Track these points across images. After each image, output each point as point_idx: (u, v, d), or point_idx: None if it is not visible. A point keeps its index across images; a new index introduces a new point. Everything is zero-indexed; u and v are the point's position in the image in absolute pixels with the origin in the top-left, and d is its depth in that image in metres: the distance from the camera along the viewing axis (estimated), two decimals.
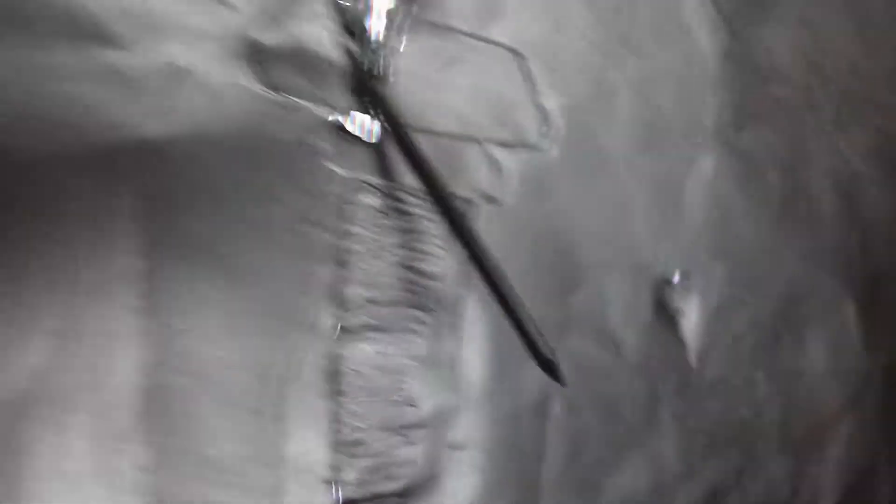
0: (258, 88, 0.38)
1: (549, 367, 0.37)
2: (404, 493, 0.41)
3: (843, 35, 0.59)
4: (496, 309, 0.37)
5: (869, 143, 0.59)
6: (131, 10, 0.35)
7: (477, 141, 0.43)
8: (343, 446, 0.39)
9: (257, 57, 0.38)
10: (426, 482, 0.41)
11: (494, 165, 0.44)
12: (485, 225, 0.43)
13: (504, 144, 0.44)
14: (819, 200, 0.57)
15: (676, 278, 0.50)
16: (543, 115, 0.45)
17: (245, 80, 0.38)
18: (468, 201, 0.43)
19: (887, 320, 0.60)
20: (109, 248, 0.34)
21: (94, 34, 0.34)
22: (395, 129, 0.39)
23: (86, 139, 0.34)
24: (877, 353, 0.60)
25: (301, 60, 0.39)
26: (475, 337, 0.43)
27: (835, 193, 0.57)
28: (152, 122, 0.35)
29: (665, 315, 0.50)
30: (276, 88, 0.38)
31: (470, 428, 0.43)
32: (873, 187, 0.59)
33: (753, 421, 0.54)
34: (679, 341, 0.51)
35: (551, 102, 0.46)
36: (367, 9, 0.40)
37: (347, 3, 0.39)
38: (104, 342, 0.34)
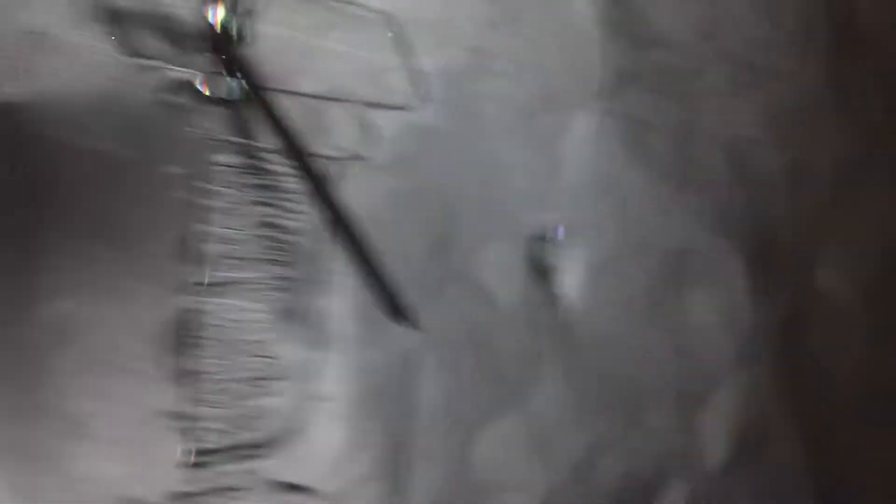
0: (116, 51, 0.39)
1: (401, 314, 0.39)
2: (267, 444, 0.42)
3: (738, 12, 0.60)
4: (351, 262, 0.39)
5: (760, 109, 0.60)
6: None
7: (346, 102, 0.44)
8: (203, 398, 0.41)
9: (115, 20, 0.39)
10: (290, 433, 0.43)
11: (364, 125, 0.45)
12: (355, 184, 0.45)
13: (375, 105, 0.45)
14: (708, 162, 0.58)
15: (554, 235, 0.51)
16: (417, 78, 0.46)
17: (103, 43, 0.38)
18: (334, 159, 0.44)
19: (779, 277, 0.62)
20: None
21: None
22: (254, 89, 0.40)
23: None
24: (769, 310, 0.61)
25: (159, 23, 0.40)
26: (343, 290, 0.44)
27: (725, 156, 0.59)
28: (10, 84, 0.36)
29: (543, 271, 0.51)
30: (134, 51, 0.39)
31: (335, 380, 0.44)
32: (764, 150, 0.60)
33: (641, 376, 0.55)
34: (560, 297, 0.52)
35: (427, 66, 0.47)
36: None
37: None
38: None
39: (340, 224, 0.39)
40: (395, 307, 0.38)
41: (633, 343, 0.55)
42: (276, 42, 0.42)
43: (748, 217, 0.60)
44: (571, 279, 0.53)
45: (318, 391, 0.44)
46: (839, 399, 0.64)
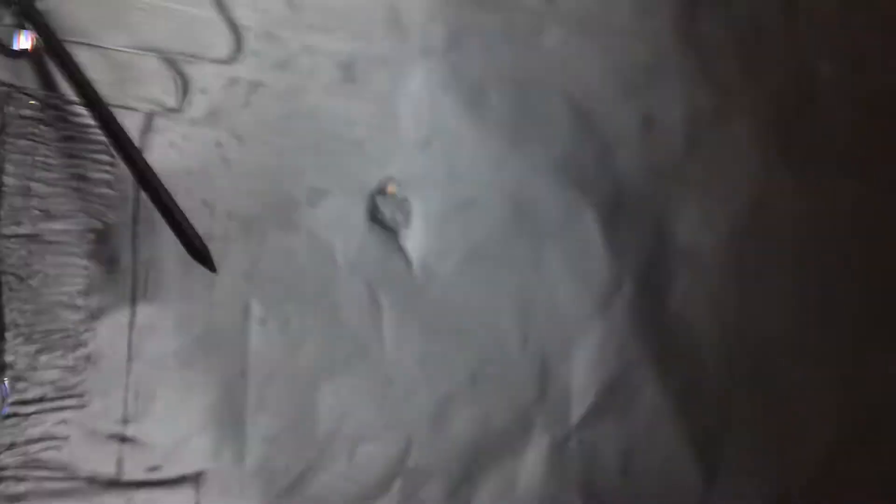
0: None
1: (199, 256, 0.39)
2: (82, 394, 0.42)
3: None
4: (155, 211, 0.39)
5: (608, 65, 0.62)
6: None
7: (156, 54, 0.45)
8: (11, 350, 0.40)
9: None
10: (107, 383, 0.43)
11: (175, 77, 0.45)
12: (166, 137, 0.45)
13: (186, 57, 0.45)
14: (550, 116, 0.59)
15: (391, 190, 0.52)
16: (232, 30, 0.47)
17: None
18: (144, 112, 0.44)
19: (635, 230, 0.63)
20: None
21: None
22: (48, 41, 0.41)
23: None
24: (626, 262, 0.62)
25: None
26: (155, 242, 0.44)
27: (568, 110, 0.60)
28: None
29: (382, 225, 0.52)
30: None
31: (155, 330, 0.44)
32: (612, 104, 0.62)
33: (491, 327, 0.56)
34: (400, 251, 0.52)
35: (241, 17, 0.47)
36: None
37: None
38: None
39: (137, 171, 0.39)
40: (192, 249, 0.38)
41: (481, 296, 0.56)
42: None
43: (598, 169, 0.61)
44: (414, 234, 0.53)
45: (139, 342, 0.44)
46: (706, 352, 0.66)
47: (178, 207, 0.39)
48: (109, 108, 0.40)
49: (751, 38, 0.70)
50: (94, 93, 0.40)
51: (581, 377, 0.60)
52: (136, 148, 0.40)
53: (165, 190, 0.39)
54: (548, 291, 0.59)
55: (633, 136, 0.63)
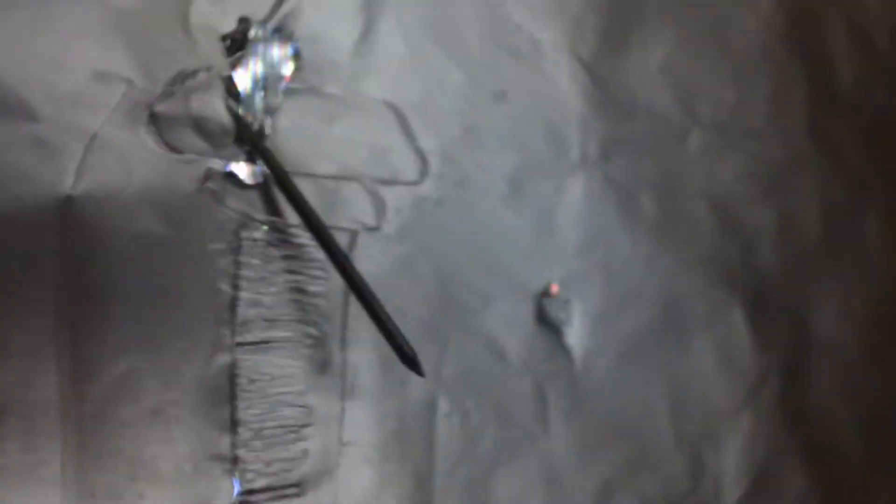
0: (160, 148, 0.46)
1: (409, 362, 0.44)
2: (299, 484, 0.47)
3: (713, 77, 0.66)
4: (367, 318, 0.44)
5: (742, 166, 0.66)
6: (54, 93, 0.43)
7: (357, 180, 0.51)
8: (242, 444, 0.46)
9: (158, 122, 0.46)
10: (320, 475, 0.48)
11: (374, 200, 0.51)
12: (368, 252, 0.51)
13: (382, 182, 0.52)
14: (696, 217, 0.63)
15: (554, 291, 0.56)
16: (419, 156, 0.53)
17: (148, 142, 0.46)
18: (350, 232, 0.50)
19: (777, 324, 0.66)
20: (32, 284, 0.42)
21: (21, 112, 0.43)
22: (276, 174, 0.47)
23: (15, 203, 0.42)
24: (770, 355, 0.65)
25: (194, 123, 0.47)
26: (362, 347, 0.50)
27: (711, 210, 0.64)
28: (68, 181, 0.44)
29: (547, 325, 0.56)
30: (174, 147, 0.46)
31: (360, 426, 0.49)
32: (750, 204, 0.66)
33: (642, 418, 0.59)
34: (563, 348, 0.57)
35: (425, 145, 0.54)
36: (251, 79, 0.48)
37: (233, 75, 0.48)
38: (29, 357, 0.41)
39: (355, 286, 0.45)
40: (404, 357, 0.43)
41: (635, 389, 0.59)
42: (292, 132, 0.49)
43: (740, 268, 0.65)
44: (575, 331, 0.57)
45: (345, 437, 0.49)
46: (844, 435, 0.67)
47: (388, 316, 0.44)
48: (326, 229, 0.46)
49: (875, 136, 0.73)
50: (314, 216, 0.46)
51: (731, 468, 0.63)
52: (350, 263, 0.46)
53: (377, 300, 0.44)
54: (698, 384, 0.62)
55: (771, 234, 0.67)
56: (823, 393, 0.67)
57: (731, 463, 0.63)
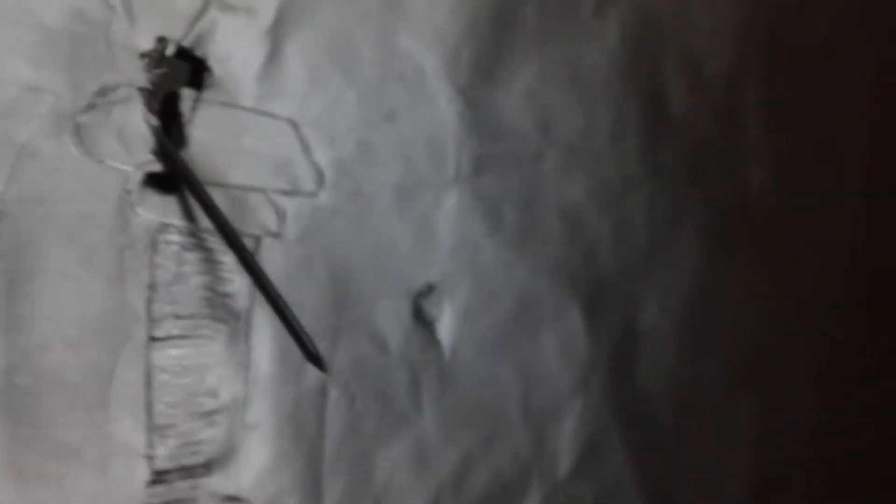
0: (83, 157, 0.50)
1: (313, 359, 0.51)
2: (207, 465, 0.53)
3: (566, 104, 0.76)
4: (274, 318, 0.51)
5: (587, 183, 0.76)
6: None
7: (261, 190, 0.57)
8: (156, 429, 0.51)
9: (81, 133, 0.50)
10: (225, 456, 0.54)
11: (276, 209, 0.57)
12: (271, 255, 0.57)
13: (283, 192, 0.58)
14: (549, 228, 0.73)
15: (430, 291, 0.64)
16: (316, 169, 0.59)
17: (72, 151, 0.49)
18: (255, 237, 0.56)
19: (609, 319, 0.77)
20: None
21: None
22: (189, 184, 0.52)
23: None
24: (600, 345, 0.76)
25: (116, 134, 0.51)
26: (263, 340, 0.56)
27: (562, 222, 0.74)
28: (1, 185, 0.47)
29: (423, 320, 0.64)
30: (96, 157, 0.50)
31: (261, 411, 0.56)
32: (592, 216, 0.76)
33: (498, 400, 0.69)
34: (435, 340, 0.65)
35: (322, 159, 0.60)
36: (166, 93, 0.53)
37: (151, 89, 0.52)
38: None
39: (263, 287, 0.51)
40: (307, 352, 0.50)
41: (494, 375, 0.69)
42: (206, 144, 0.54)
43: (581, 270, 0.75)
44: (445, 326, 0.66)
45: (248, 421, 0.55)
46: (660, 415, 0.80)
47: (293, 315, 0.51)
48: (236, 234, 0.52)
49: (697, 156, 0.86)
50: (226, 222, 0.52)
51: (566, 442, 0.74)
52: (258, 266, 0.52)
53: (283, 300, 0.51)
54: (542, 370, 0.72)
55: (608, 242, 0.78)
56: (645, 377, 0.79)
57: (566, 437, 0.74)
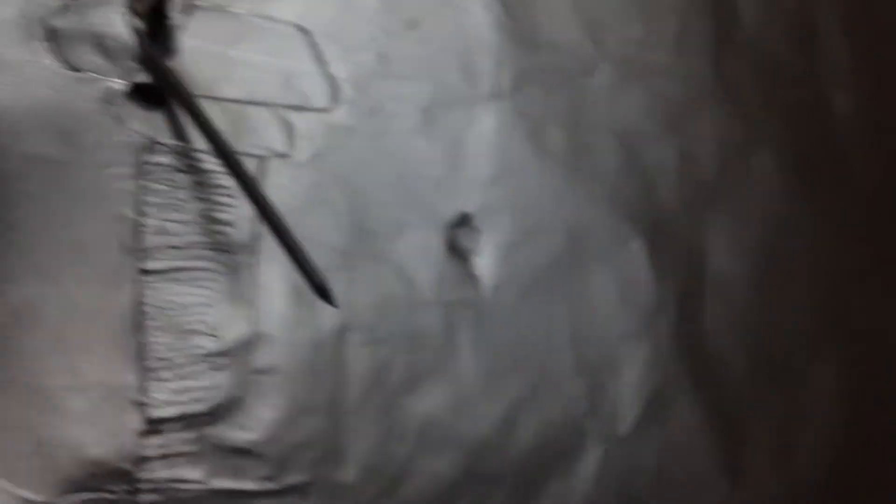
0: (57, 66, 0.43)
1: (320, 291, 0.44)
2: (211, 413, 0.47)
3: (621, 11, 0.67)
4: (278, 247, 0.44)
5: (646, 102, 0.67)
6: None
7: (265, 105, 0.50)
8: (150, 373, 0.45)
9: (55, 38, 0.44)
10: (231, 404, 0.48)
11: (284, 126, 0.50)
12: (277, 179, 0.50)
13: (292, 107, 0.51)
14: (602, 152, 0.65)
15: (464, 221, 0.57)
16: (330, 82, 0.52)
17: (45, 60, 0.43)
18: (259, 158, 0.49)
19: (672, 256, 0.68)
20: None
21: None
22: (180, 97, 0.46)
23: None
24: (667, 285, 0.68)
25: (94, 40, 0.45)
26: (274, 275, 0.49)
27: (617, 146, 0.65)
28: None
29: (458, 254, 0.57)
30: (73, 65, 0.44)
31: (272, 355, 0.49)
32: (653, 140, 0.67)
33: (546, 345, 0.61)
34: (473, 277, 0.58)
35: (338, 72, 0.53)
36: None
37: None
38: None
39: (266, 214, 0.44)
40: (316, 287, 0.43)
41: (541, 316, 0.61)
42: (197, 53, 0.47)
43: (641, 201, 0.67)
44: (484, 261, 0.58)
45: (258, 365, 0.49)
46: (732, 369, 0.71)
47: (299, 244, 0.44)
48: (235, 154, 0.45)
49: (772, 76, 0.76)
50: (222, 140, 0.45)
51: (628, 392, 0.66)
52: (260, 190, 0.45)
53: (288, 228, 0.44)
54: (599, 314, 0.64)
55: (671, 170, 0.69)
56: (715, 325, 0.70)
57: (627, 387, 0.66)
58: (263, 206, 0.44)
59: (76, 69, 0.44)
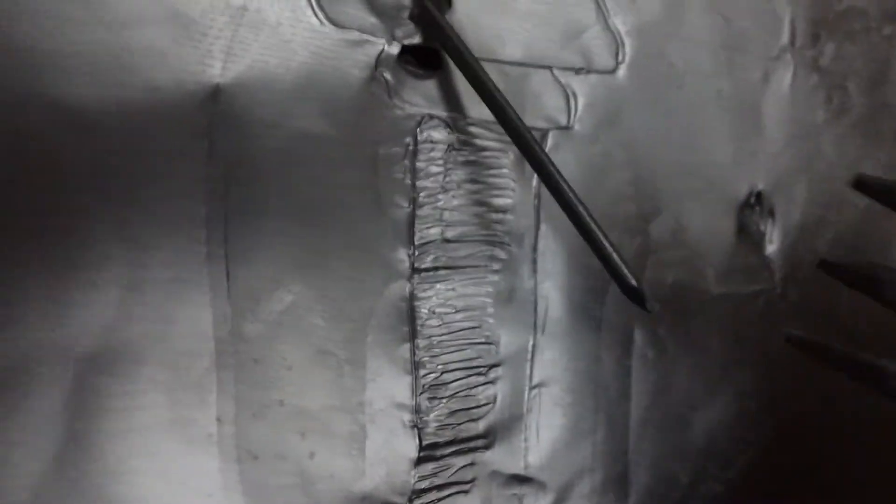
0: (323, 25, 0.36)
1: (634, 294, 0.35)
2: (487, 435, 0.40)
3: None
4: (577, 238, 0.36)
5: None
6: None
7: (546, 67, 0.41)
8: (421, 389, 0.38)
9: None
10: (509, 422, 0.40)
11: (564, 92, 0.42)
12: (559, 155, 0.42)
13: (574, 69, 0.42)
14: None
15: (756, 201, 0.48)
16: (614, 38, 0.43)
17: (309, 18, 0.36)
18: (540, 130, 0.41)
19: None
20: (175, 195, 0.33)
21: None
22: (461, 59, 0.37)
23: (153, 85, 0.33)
24: None
25: None
26: (551, 271, 0.41)
27: None
28: (215, 66, 0.34)
29: (748, 239, 0.48)
30: (340, 24, 0.37)
31: (551, 365, 0.42)
32: None
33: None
34: (763, 265, 0.49)
35: (620, 23, 0.43)
36: None
37: None
38: (172, 291, 0.33)
39: (561, 195, 0.36)
40: (626, 286, 0.34)
41: (826, 306, 0.51)
42: (471, 7, 0.39)
43: None
44: (774, 244, 0.49)
45: (535, 378, 0.41)
46: None
47: (606, 236, 0.35)
48: (524, 125, 0.37)
49: None
50: (510, 109, 0.37)
51: None
52: (556, 169, 0.36)
53: (592, 217, 0.35)
54: None
55: None
56: None
57: None
58: (561, 189, 0.36)
59: (344, 27, 0.36)
